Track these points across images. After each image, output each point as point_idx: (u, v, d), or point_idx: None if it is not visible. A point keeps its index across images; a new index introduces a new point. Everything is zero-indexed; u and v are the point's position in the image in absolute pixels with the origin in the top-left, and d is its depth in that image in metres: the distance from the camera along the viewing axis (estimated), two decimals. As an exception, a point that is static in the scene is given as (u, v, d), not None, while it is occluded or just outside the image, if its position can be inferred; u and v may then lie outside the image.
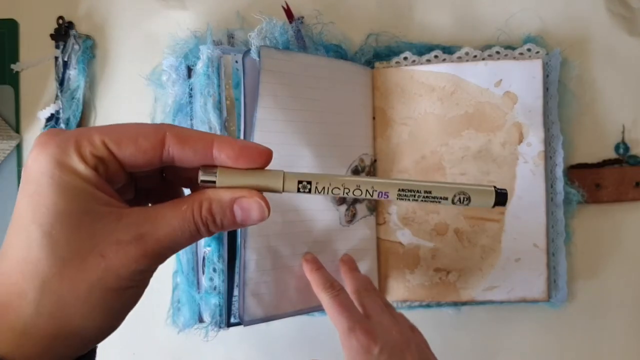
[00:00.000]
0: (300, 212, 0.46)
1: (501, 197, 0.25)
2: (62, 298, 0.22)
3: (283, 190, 0.25)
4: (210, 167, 0.24)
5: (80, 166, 0.22)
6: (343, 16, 0.51)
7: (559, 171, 0.49)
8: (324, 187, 0.25)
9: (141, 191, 0.28)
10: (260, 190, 0.25)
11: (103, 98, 0.53)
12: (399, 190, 0.25)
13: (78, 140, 0.22)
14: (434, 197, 0.25)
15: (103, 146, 0.23)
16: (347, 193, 0.25)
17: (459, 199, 0.25)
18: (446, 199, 0.25)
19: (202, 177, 0.24)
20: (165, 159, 0.24)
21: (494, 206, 0.25)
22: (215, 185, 0.24)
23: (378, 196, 0.25)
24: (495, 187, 0.25)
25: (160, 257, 0.24)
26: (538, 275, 0.49)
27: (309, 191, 0.25)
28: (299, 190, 0.25)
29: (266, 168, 0.25)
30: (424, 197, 0.25)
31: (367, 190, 0.25)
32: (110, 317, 0.23)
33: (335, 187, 0.25)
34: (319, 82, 0.47)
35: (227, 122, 0.45)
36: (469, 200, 0.25)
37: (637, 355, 0.51)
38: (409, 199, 0.25)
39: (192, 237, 0.24)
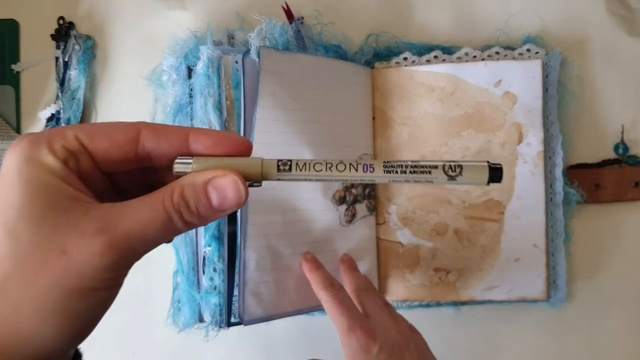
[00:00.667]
0: (300, 212, 0.46)
1: (495, 173, 0.23)
2: (17, 300, 0.20)
3: (262, 177, 0.24)
4: (186, 157, 0.23)
5: (48, 158, 0.21)
6: (343, 16, 0.52)
7: (559, 171, 0.49)
8: (305, 164, 0.23)
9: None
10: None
11: (103, 98, 0.53)
12: (385, 162, 0.23)
13: (50, 136, 0.22)
14: (422, 168, 0.23)
15: (75, 139, 0.22)
16: (329, 168, 0.23)
17: (450, 167, 0.23)
18: (436, 167, 0.23)
19: (177, 168, 0.23)
20: (141, 153, 0.23)
21: (488, 183, 0.24)
22: None
23: (364, 170, 0.23)
24: (488, 162, 0.24)
25: (129, 252, 0.21)
26: (537, 275, 0.49)
27: (290, 169, 0.23)
28: (279, 169, 0.24)
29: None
30: (412, 169, 0.23)
31: (351, 164, 0.23)
32: (74, 323, 0.21)
33: (317, 163, 0.23)
34: (318, 82, 0.47)
35: (227, 123, 0.45)
36: (461, 169, 0.23)
37: (636, 355, 0.51)
38: (396, 171, 0.23)
39: (166, 229, 0.22)
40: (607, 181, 0.50)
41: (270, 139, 0.44)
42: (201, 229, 0.46)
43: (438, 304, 0.51)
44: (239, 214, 0.43)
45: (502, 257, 0.49)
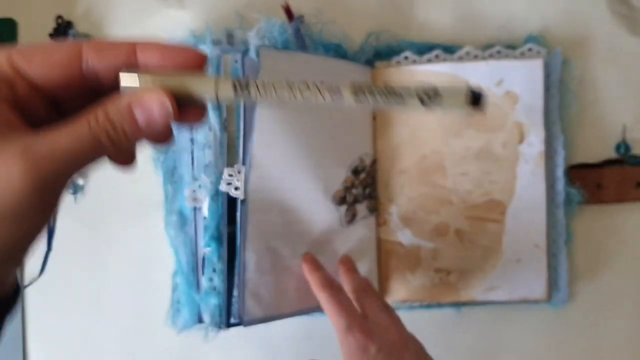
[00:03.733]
0: (300, 213, 0.45)
1: (476, 97, 0.22)
2: None
3: (217, 97, 0.23)
4: (132, 70, 0.23)
5: None
6: (343, 15, 0.51)
7: (560, 171, 0.49)
8: (265, 86, 0.23)
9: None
10: (190, 95, 0.23)
11: (102, 98, 0.52)
12: (353, 84, 0.23)
13: None
14: (394, 94, 0.23)
15: (8, 63, 0.21)
16: (293, 90, 0.23)
17: (425, 92, 0.22)
18: (409, 93, 0.23)
19: (123, 82, 0.23)
20: (86, 72, 0.22)
21: (467, 107, 0.22)
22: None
23: (330, 95, 0.24)
24: (468, 85, 0.23)
25: (53, 174, 0.20)
26: (539, 275, 0.49)
27: (249, 92, 0.23)
28: (235, 91, 0.23)
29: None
30: (383, 93, 0.23)
31: (317, 87, 0.24)
32: None
33: (280, 88, 0.23)
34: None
35: (227, 122, 0.45)
36: (436, 95, 0.22)
37: (637, 356, 0.51)
38: (365, 95, 0.23)
39: (93, 148, 0.22)
40: (608, 181, 0.50)
41: (270, 138, 0.43)
42: (200, 230, 0.46)
43: (439, 305, 0.51)
44: (238, 214, 0.43)
45: (503, 258, 0.49)
